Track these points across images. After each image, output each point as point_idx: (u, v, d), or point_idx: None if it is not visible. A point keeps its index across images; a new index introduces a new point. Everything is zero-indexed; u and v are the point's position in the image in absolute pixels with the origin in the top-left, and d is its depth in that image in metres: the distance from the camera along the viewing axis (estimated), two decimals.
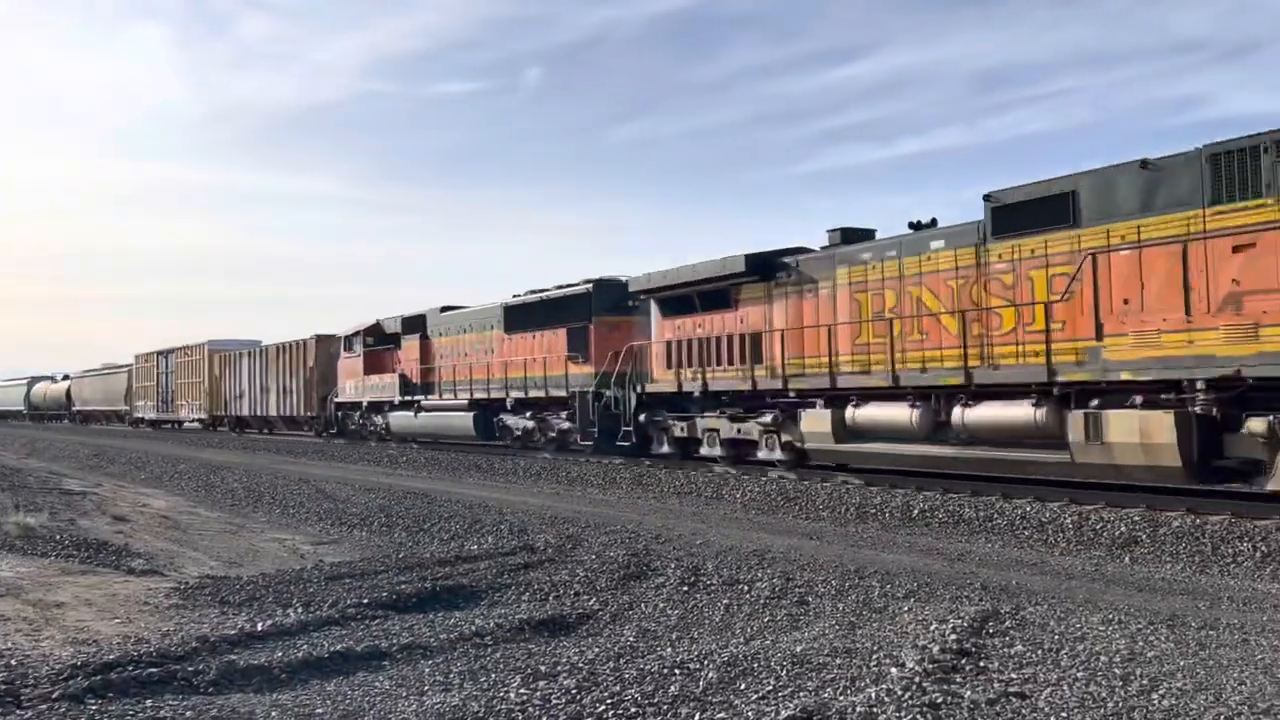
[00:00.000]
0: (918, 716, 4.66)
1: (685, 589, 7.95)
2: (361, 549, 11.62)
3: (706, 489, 15.45)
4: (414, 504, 14.74)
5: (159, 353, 51.64)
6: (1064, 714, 4.77)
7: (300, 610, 7.31)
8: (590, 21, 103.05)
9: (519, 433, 23.79)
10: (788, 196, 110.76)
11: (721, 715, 4.84)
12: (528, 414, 23.40)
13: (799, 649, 5.97)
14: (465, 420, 25.36)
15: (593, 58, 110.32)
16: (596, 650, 6.14)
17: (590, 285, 21.76)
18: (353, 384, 31.53)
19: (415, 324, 28.76)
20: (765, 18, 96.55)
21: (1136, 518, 10.52)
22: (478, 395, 25.06)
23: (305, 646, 6.21)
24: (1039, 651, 5.86)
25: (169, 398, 50.18)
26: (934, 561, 9.28)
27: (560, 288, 22.89)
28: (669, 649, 6.18)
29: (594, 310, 21.47)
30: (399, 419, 28.76)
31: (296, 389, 36.72)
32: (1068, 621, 6.64)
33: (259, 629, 6.62)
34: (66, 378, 69.92)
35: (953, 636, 6.05)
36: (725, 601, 7.53)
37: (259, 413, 40.51)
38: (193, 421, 48.24)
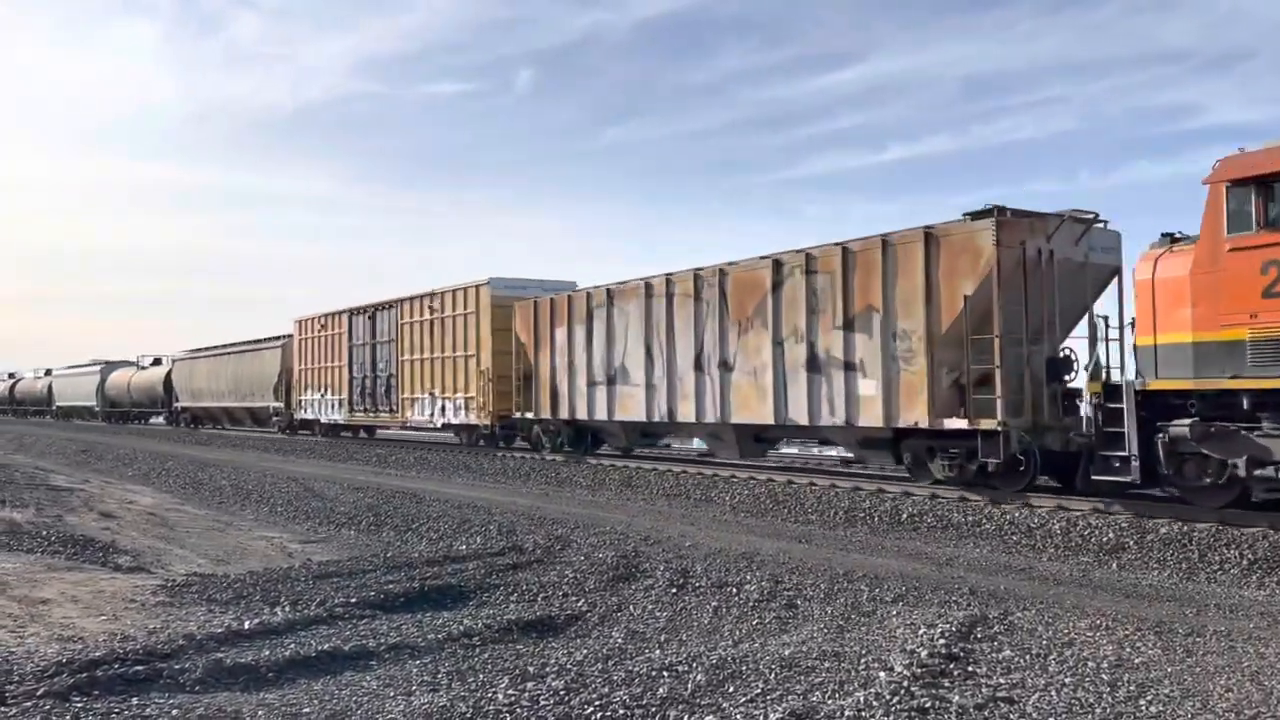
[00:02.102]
0: None
1: (674, 591, 7.95)
2: (350, 548, 11.59)
3: (695, 491, 15.46)
4: (403, 503, 14.71)
5: (353, 311, 29.37)
6: None
7: (288, 609, 7.29)
8: (580, 24, 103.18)
9: None
10: (782, 200, 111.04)
11: (710, 718, 4.84)
12: None
13: (787, 652, 5.97)
14: None
15: (582, 60, 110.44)
16: (585, 652, 6.13)
17: None
18: None
19: None
20: (756, 22, 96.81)
21: (1124, 524, 10.56)
22: None
23: (293, 645, 6.19)
24: (1027, 657, 5.88)
25: (379, 387, 28.04)
26: (922, 566, 9.31)
27: None
28: (657, 651, 6.18)
29: None
30: None
31: (862, 359, 14.09)
32: (1055, 627, 6.66)
33: (246, 627, 6.59)
34: (158, 362, 48.88)
35: (941, 641, 6.07)
36: (714, 604, 7.54)
37: (669, 416, 17.81)
38: (441, 429, 26.13)
